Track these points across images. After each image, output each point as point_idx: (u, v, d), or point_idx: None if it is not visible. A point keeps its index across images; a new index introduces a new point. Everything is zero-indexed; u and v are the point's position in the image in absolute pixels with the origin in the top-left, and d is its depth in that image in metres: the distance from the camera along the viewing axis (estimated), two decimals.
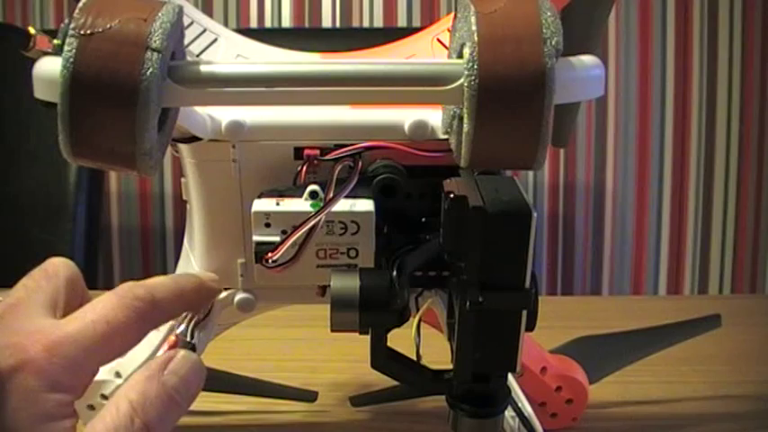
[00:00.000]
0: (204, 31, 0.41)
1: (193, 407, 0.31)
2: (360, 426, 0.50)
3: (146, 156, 0.27)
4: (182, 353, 0.31)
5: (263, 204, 0.36)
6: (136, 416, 0.28)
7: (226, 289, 0.41)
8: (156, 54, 0.26)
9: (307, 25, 1.43)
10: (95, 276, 1.13)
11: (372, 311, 0.32)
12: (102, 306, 0.31)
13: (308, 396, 0.51)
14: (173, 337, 0.37)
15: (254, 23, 1.43)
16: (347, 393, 0.52)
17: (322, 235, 0.36)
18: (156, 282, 0.34)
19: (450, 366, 0.33)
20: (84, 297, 0.35)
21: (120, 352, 0.32)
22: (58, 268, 0.34)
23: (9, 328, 0.30)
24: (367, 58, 0.40)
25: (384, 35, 0.48)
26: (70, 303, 0.33)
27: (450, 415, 0.33)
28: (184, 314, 0.37)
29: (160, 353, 0.36)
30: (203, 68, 0.28)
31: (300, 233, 0.35)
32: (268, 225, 0.36)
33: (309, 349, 0.62)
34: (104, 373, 0.41)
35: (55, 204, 1.06)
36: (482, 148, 0.27)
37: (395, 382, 0.35)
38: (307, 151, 0.37)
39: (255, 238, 0.36)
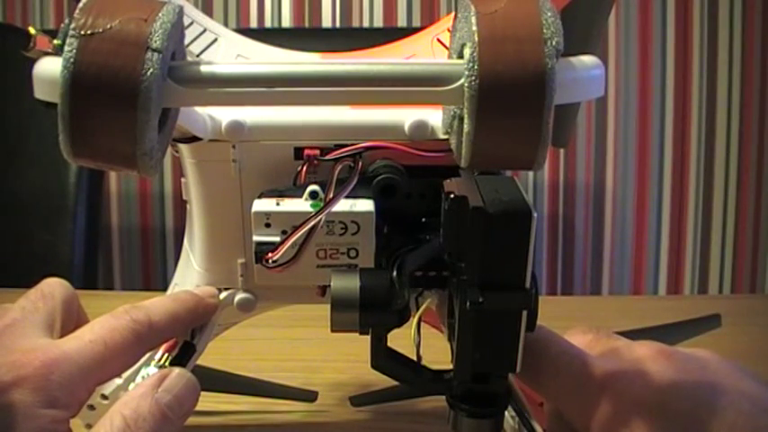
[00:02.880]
0: (204, 31, 0.41)
1: None
2: (360, 426, 0.50)
3: (146, 156, 0.27)
4: (176, 371, 0.32)
5: (263, 204, 0.36)
6: (129, 431, 0.28)
7: (226, 289, 0.41)
8: (156, 54, 0.26)
9: (307, 25, 1.43)
10: (95, 276, 1.12)
11: (372, 311, 0.32)
12: (100, 327, 0.32)
13: (308, 396, 0.51)
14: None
15: (254, 23, 1.43)
16: (347, 393, 0.52)
17: (322, 235, 0.36)
18: (154, 303, 0.34)
19: (451, 366, 0.33)
20: (80, 317, 0.35)
21: (117, 372, 0.32)
22: (54, 289, 0.34)
23: (6, 347, 0.30)
24: (367, 58, 0.40)
25: (384, 35, 0.48)
26: (66, 324, 0.33)
27: (450, 415, 0.33)
28: None
29: (159, 353, 0.37)
30: (203, 68, 0.28)
31: (300, 233, 0.35)
32: (268, 225, 0.36)
33: (309, 349, 0.62)
34: None
35: (55, 204, 1.05)
36: (482, 149, 0.27)
37: (395, 382, 0.35)
38: (307, 151, 0.37)
39: (255, 238, 0.36)
